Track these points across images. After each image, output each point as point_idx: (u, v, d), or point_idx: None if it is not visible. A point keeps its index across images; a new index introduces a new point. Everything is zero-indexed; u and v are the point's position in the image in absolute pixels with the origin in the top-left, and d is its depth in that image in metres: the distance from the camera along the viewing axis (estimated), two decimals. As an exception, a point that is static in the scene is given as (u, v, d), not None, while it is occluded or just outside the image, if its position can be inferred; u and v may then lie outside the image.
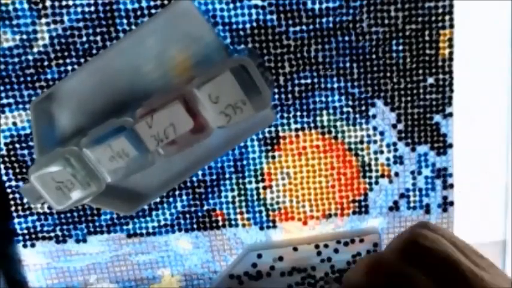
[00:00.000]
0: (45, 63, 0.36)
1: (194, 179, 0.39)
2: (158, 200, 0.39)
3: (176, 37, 0.33)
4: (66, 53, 0.36)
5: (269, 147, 0.39)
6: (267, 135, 0.38)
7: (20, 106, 0.37)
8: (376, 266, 0.21)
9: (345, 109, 0.38)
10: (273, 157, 0.39)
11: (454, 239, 0.23)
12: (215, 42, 0.33)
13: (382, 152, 0.39)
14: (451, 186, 0.40)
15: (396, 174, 0.39)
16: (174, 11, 0.32)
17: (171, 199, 0.39)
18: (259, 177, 0.39)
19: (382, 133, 0.39)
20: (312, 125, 0.38)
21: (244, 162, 0.39)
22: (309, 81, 0.37)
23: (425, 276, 0.20)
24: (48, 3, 0.35)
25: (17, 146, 0.38)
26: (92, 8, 0.35)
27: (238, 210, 0.40)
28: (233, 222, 0.40)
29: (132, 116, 0.32)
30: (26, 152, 0.38)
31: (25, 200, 0.39)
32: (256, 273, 0.41)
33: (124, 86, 0.33)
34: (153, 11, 0.35)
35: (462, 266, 0.20)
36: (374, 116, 0.38)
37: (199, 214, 0.40)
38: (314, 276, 0.41)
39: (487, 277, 0.20)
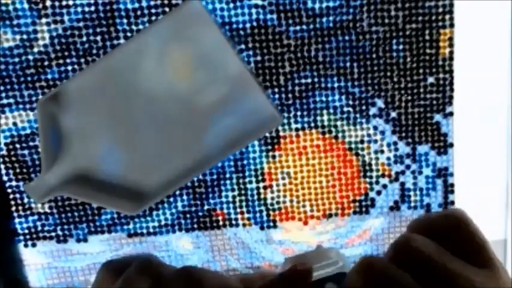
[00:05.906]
0: (46, 63, 0.36)
1: (195, 178, 0.39)
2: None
3: (182, 38, 0.33)
4: (66, 53, 0.36)
5: (269, 147, 0.39)
6: (267, 135, 0.38)
7: (20, 106, 0.37)
8: (368, 266, 0.22)
9: (345, 109, 0.38)
10: (274, 157, 0.39)
11: (453, 235, 0.23)
12: (221, 43, 0.33)
13: (382, 152, 0.39)
14: (452, 185, 0.40)
15: (397, 173, 0.39)
16: (184, 12, 0.32)
17: (171, 199, 0.39)
18: (260, 177, 0.39)
19: (382, 132, 0.38)
20: (313, 124, 0.38)
21: (245, 162, 0.39)
22: (309, 80, 0.37)
23: (414, 279, 0.21)
24: (48, 3, 0.35)
25: (17, 146, 0.38)
26: (92, 8, 0.35)
27: (238, 210, 0.40)
28: (234, 222, 0.40)
29: None
30: (26, 152, 0.38)
31: (26, 200, 0.39)
32: None
33: (128, 86, 0.33)
34: (153, 10, 0.35)
35: (447, 267, 0.21)
36: (374, 116, 0.38)
37: (200, 214, 0.40)
38: None
39: (479, 278, 0.20)
